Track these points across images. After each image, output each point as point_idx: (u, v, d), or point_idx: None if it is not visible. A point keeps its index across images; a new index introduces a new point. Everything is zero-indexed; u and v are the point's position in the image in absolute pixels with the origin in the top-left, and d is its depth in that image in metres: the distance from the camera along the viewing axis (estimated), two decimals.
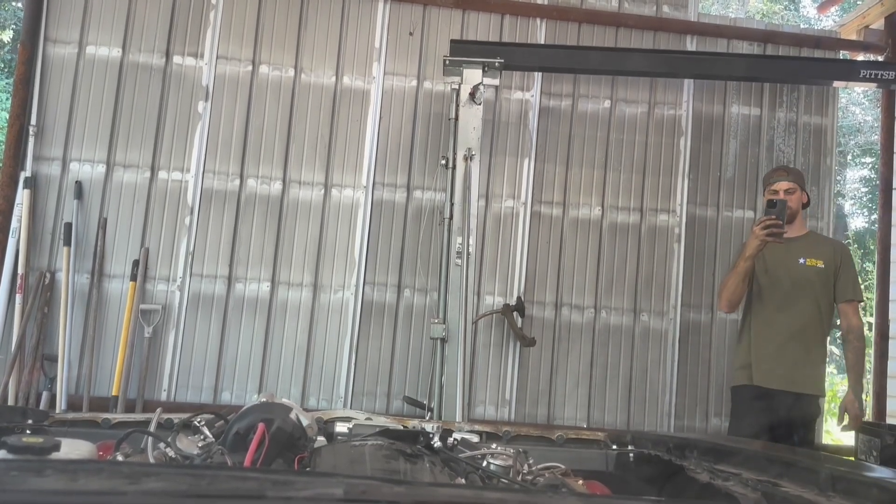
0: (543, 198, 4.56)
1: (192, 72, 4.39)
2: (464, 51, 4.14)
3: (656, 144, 4.67)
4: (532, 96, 4.59)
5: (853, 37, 5.05)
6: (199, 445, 1.50)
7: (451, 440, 1.72)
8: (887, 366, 4.66)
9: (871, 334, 4.92)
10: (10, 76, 10.70)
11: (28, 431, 1.64)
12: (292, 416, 1.49)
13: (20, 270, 4.10)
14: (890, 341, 4.67)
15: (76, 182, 4.22)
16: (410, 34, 4.54)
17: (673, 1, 4.75)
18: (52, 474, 0.78)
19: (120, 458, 1.46)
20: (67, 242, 4.13)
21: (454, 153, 3.96)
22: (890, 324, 4.68)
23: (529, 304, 4.45)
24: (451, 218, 3.89)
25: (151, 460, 1.41)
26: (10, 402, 3.95)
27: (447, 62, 4.07)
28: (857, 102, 15.81)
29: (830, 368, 8.03)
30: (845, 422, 3.48)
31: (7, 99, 9.92)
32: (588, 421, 4.46)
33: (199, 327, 4.28)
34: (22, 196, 4.15)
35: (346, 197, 4.43)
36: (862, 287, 3.62)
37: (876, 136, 9.74)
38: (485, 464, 1.55)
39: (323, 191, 4.43)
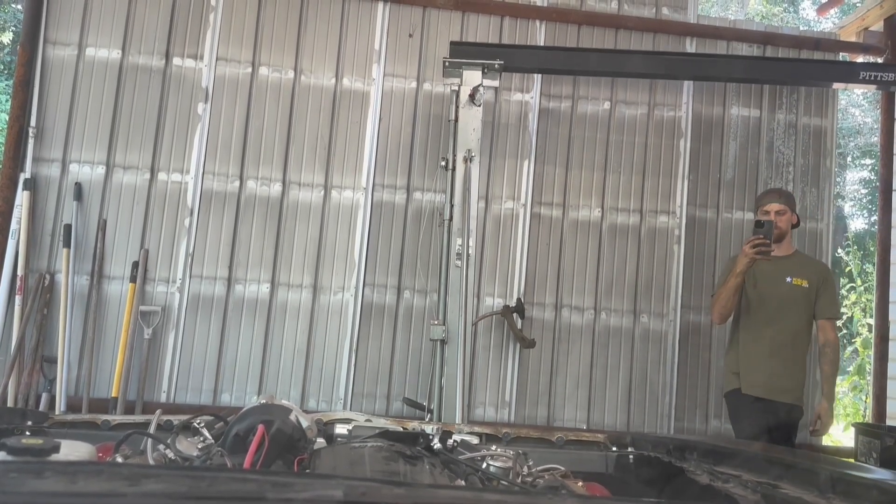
0: (543, 199, 4.56)
1: (192, 73, 4.39)
2: (463, 52, 4.15)
3: (656, 146, 4.67)
4: (532, 98, 4.59)
5: (853, 39, 5.05)
6: (199, 447, 1.50)
7: (450, 442, 1.72)
8: (887, 367, 4.65)
9: (871, 336, 4.92)
10: (9, 78, 10.70)
11: (27, 433, 1.64)
12: (292, 417, 1.49)
13: (20, 272, 4.10)
14: (890, 343, 4.67)
15: (76, 183, 4.22)
16: (410, 36, 4.55)
17: (672, 3, 4.75)
18: (52, 476, 0.78)
19: (119, 459, 1.45)
20: (67, 244, 4.13)
21: (454, 155, 3.96)
22: (890, 325, 4.68)
23: (529, 306, 4.45)
24: (450, 219, 3.90)
25: (151, 462, 1.41)
26: (10, 403, 3.95)
27: (447, 64, 4.07)
28: (856, 104, 15.82)
29: None
30: (817, 426, 3.69)
31: (7, 101, 9.92)
32: (588, 423, 4.46)
33: (198, 329, 4.28)
34: (21, 197, 4.15)
35: (345, 198, 4.44)
36: (841, 304, 3.87)
37: (875, 138, 9.75)
38: (484, 465, 1.55)
39: (323, 192, 4.43)
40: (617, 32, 4.69)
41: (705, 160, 4.71)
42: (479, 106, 4.02)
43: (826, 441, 5.47)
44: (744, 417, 3.62)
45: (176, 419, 1.73)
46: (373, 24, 4.53)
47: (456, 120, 4.00)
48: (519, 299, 4.40)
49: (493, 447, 1.77)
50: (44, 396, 4.08)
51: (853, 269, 8.64)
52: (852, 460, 3.94)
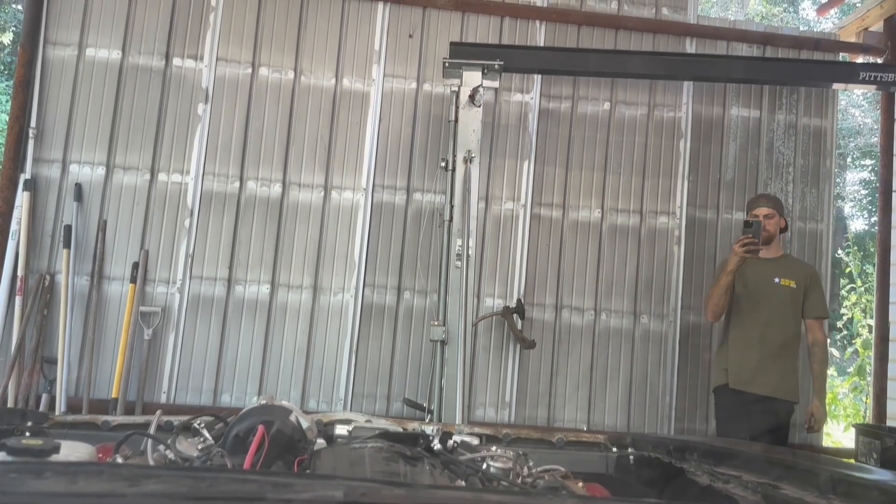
0: (543, 200, 4.56)
1: (192, 74, 4.39)
2: (463, 53, 4.15)
3: (656, 146, 4.67)
4: (532, 98, 4.59)
5: (852, 39, 5.05)
6: (199, 448, 1.50)
7: (450, 442, 1.72)
8: (887, 368, 4.65)
9: (871, 336, 4.91)
10: (9, 78, 10.71)
11: (27, 433, 1.64)
12: (292, 418, 1.49)
13: (20, 273, 4.10)
14: (890, 344, 4.67)
15: (76, 184, 4.23)
16: (410, 36, 4.55)
17: (672, 3, 4.75)
18: (52, 476, 0.78)
19: (119, 460, 1.45)
20: (67, 245, 4.13)
21: (454, 155, 3.96)
22: (890, 326, 4.68)
23: (529, 307, 4.45)
24: (450, 220, 3.90)
25: (151, 462, 1.41)
26: (10, 404, 3.95)
27: (447, 64, 4.07)
28: (856, 105, 15.83)
29: (831, 371, 8.02)
30: (811, 424, 3.83)
31: (7, 101, 9.93)
32: (588, 423, 4.45)
33: (198, 329, 4.28)
34: (22, 198, 4.15)
35: (345, 199, 4.44)
36: (827, 304, 4.03)
37: (875, 139, 9.75)
38: (485, 466, 1.55)
39: (323, 193, 4.43)
40: (617, 33, 4.69)
41: (705, 161, 4.71)
42: (479, 106, 4.02)
43: (826, 442, 5.48)
44: (730, 411, 3.75)
45: (176, 420, 1.73)
46: (373, 25, 4.53)
47: (456, 120, 4.00)
48: (519, 300, 4.40)
49: (494, 448, 1.77)
50: (44, 397, 4.08)
51: (853, 270, 8.65)
52: (852, 461, 3.94)
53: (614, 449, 1.98)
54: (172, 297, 4.27)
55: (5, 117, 7.96)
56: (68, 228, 4.16)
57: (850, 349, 8.54)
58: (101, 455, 1.47)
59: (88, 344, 4.14)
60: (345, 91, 4.49)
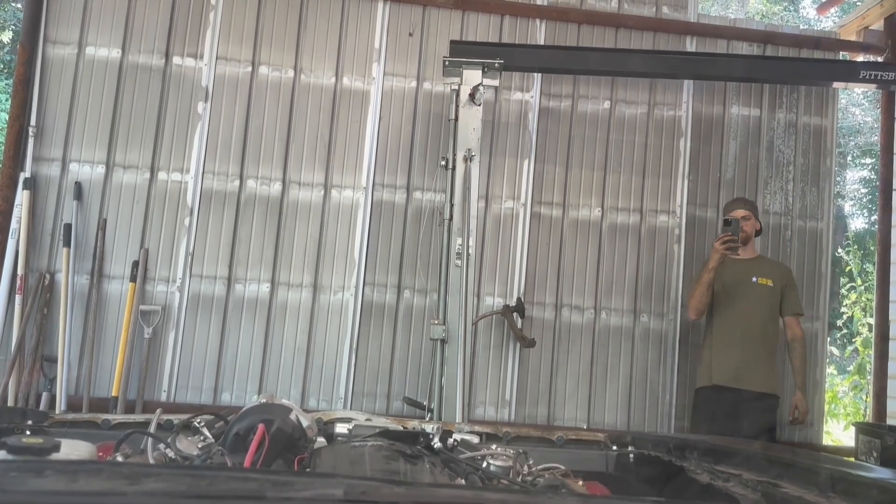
0: (543, 199, 4.56)
1: (192, 72, 4.39)
2: (463, 51, 4.14)
3: (656, 145, 4.67)
4: (532, 97, 4.59)
5: (853, 38, 5.05)
6: (199, 446, 1.50)
7: (450, 441, 1.72)
8: (887, 366, 4.66)
9: (871, 335, 4.92)
10: (9, 77, 10.70)
11: (28, 432, 1.64)
12: (292, 416, 1.49)
13: (20, 271, 4.10)
14: (890, 342, 4.67)
15: (76, 183, 4.22)
16: (410, 35, 4.54)
17: (672, 2, 4.75)
18: (52, 475, 0.78)
19: (120, 458, 1.46)
20: (67, 243, 4.13)
21: (454, 154, 3.96)
22: (890, 325, 4.68)
23: (529, 305, 4.45)
24: (450, 219, 3.89)
25: (151, 461, 1.41)
26: (10, 402, 3.95)
27: (447, 63, 4.07)
28: (856, 103, 15.81)
29: (831, 369, 8.03)
30: (795, 415, 4.01)
31: (6, 100, 9.92)
32: (588, 422, 4.45)
33: (198, 328, 4.28)
34: (21, 197, 4.15)
35: (345, 198, 4.43)
36: (802, 302, 4.23)
37: (876, 137, 9.74)
38: (485, 465, 1.55)
39: (323, 192, 4.43)
40: (617, 31, 4.69)
41: (705, 159, 4.70)
42: (479, 105, 4.01)
43: (826, 440, 5.48)
44: (711, 407, 3.88)
45: (176, 418, 1.73)
46: (373, 23, 4.53)
47: (456, 119, 4.00)
48: (519, 299, 4.40)
49: (494, 446, 1.77)
50: (44, 396, 4.08)
51: (853, 269, 8.64)
52: (852, 459, 3.94)
53: (614, 447, 1.98)
54: (172, 295, 4.27)
55: (5, 116, 7.96)
56: (68, 227, 4.16)
57: (850, 348, 8.55)
58: (101, 454, 1.47)
59: (88, 342, 4.14)
60: (345, 89, 4.49)
